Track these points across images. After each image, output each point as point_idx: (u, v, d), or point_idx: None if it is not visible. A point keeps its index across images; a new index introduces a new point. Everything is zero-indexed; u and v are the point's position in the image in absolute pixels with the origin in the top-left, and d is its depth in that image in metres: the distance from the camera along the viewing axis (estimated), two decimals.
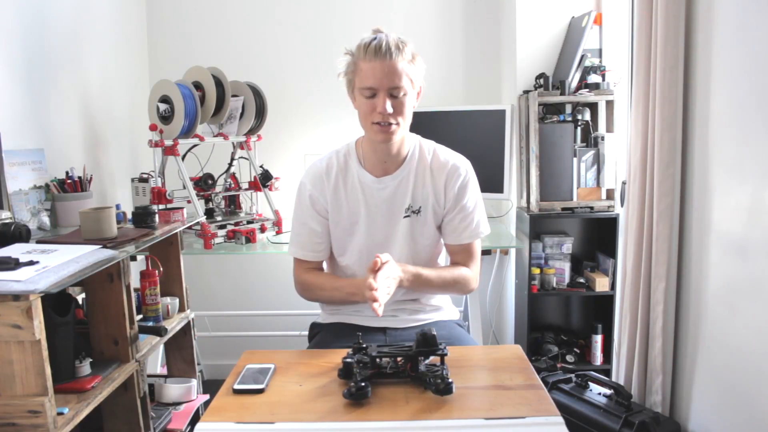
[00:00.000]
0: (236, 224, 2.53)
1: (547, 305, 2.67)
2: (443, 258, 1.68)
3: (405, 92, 1.41)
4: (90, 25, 2.38)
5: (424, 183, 1.53)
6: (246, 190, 2.69)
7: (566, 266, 2.50)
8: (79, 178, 2.00)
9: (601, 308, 2.55)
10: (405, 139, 1.52)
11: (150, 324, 1.85)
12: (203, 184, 2.54)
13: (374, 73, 1.38)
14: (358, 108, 1.46)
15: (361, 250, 1.56)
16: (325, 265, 1.68)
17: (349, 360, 1.16)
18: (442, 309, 1.64)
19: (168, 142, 2.30)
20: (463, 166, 1.55)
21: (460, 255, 1.58)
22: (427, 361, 1.18)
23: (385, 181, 1.52)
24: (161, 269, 1.94)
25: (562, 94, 2.39)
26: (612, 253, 2.41)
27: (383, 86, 1.38)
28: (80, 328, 1.61)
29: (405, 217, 1.54)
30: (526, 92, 2.55)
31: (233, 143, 2.65)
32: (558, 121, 2.46)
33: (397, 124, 1.42)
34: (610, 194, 2.45)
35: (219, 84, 2.46)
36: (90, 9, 2.38)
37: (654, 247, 1.87)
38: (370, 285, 1.29)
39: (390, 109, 1.39)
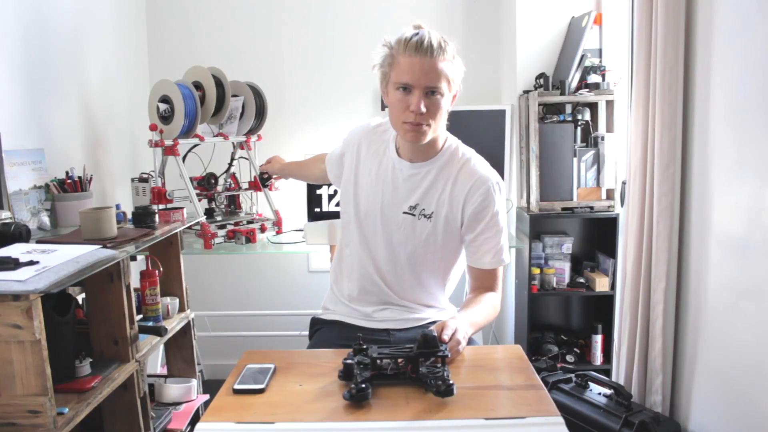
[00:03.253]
0: (236, 224, 2.53)
1: (547, 305, 2.67)
2: (453, 280, 1.62)
3: (442, 93, 1.35)
4: (90, 25, 2.38)
5: (444, 189, 1.46)
6: (246, 190, 2.69)
7: (566, 266, 2.50)
8: (79, 178, 2.00)
9: (601, 308, 2.55)
10: (437, 138, 1.46)
11: (150, 324, 1.84)
12: (206, 183, 2.54)
13: (413, 69, 1.32)
14: (390, 104, 1.41)
15: (363, 215, 1.54)
16: (328, 256, 1.68)
17: (349, 361, 1.16)
18: (444, 309, 1.64)
19: (168, 142, 2.30)
20: (492, 182, 1.45)
21: (485, 280, 1.50)
22: (428, 362, 1.18)
23: (402, 164, 1.49)
24: (161, 269, 1.94)
25: (562, 94, 2.39)
26: (612, 253, 2.41)
27: (420, 84, 1.33)
28: (80, 328, 1.61)
29: (406, 213, 1.49)
30: (526, 92, 2.55)
31: (233, 143, 2.65)
32: (558, 121, 2.46)
33: (429, 125, 1.37)
34: (610, 194, 2.45)
35: (219, 84, 2.46)
36: (90, 9, 2.38)
37: (654, 247, 1.87)
38: None
39: (423, 110, 1.33)
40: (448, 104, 1.40)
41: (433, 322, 1.57)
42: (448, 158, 1.48)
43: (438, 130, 1.42)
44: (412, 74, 1.33)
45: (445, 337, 1.23)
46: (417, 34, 1.34)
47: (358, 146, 1.58)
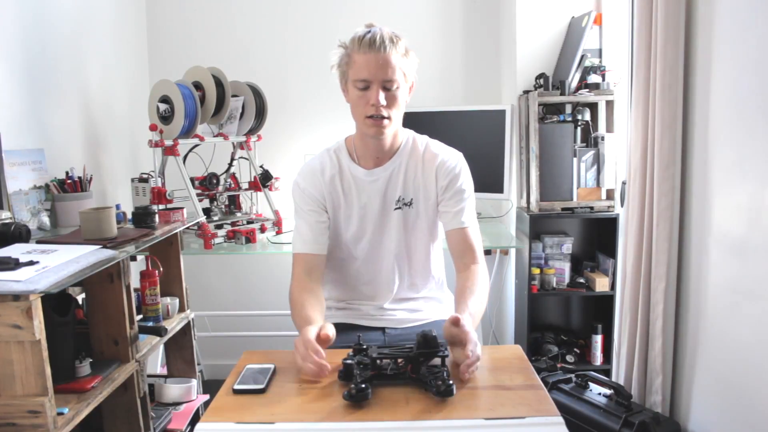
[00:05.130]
0: (236, 224, 2.53)
1: (547, 305, 2.67)
2: (439, 256, 1.65)
3: (398, 85, 1.41)
4: (90, 25, 2.38)
5: (416, 175, 1.53)
6: (246, 190, 2.69)
7: (566, 266, 2.50)
8: (79, 178, 2.00)
9: (601, 308, 2.55)
10: (398, 132, 1.52)
11: (150, 324, 1.85)
12: (208, 183, 2.54)
13: (368, 65, 1.39)
14: (350, 101, 1.46)
15: (353, 243, 1.56)
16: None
17: (349, 361, 1.16)
18: (440, 301, 1.65)
19: (168, 142, 2.30)
20: (454, 158, 1.54)
21: (467, 253, 1.50)
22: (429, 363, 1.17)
23: (376, 173, 1.52)
24: (161, 269, 1.94)
25: (562, 94, 2.39)
26: (612, 253, 2.41)
27: (377, 78, 1.39)
28: (80, 328, 1.61)
29: (396, 209, 1.54)
30: (526, 92, 2.55)
31: (233, 143, 2.65)
32: (558, 121, 2.46)
33: (389, 118, 1.42)
34: (610, 194, 2.45)
35: (219, 84, 2.46)
36: (90, 9, 2.38)
37: (654, 247, 1.86)
38: (314, 361, 1.18)
39: (383, 102, 1.40)
40: (405, 96, 1.46)
41: (432, 323, 1.58)
42: (411, 147, 1.55)
43: (399, 122, 1.49)
44: (368, 70, 1.39)
45: (467, 366, 1.16)
46: (369, 32, 1.42)
47: (312, 191, 1.54)
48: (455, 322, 1.20)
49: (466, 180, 1.55)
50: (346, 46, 1.45)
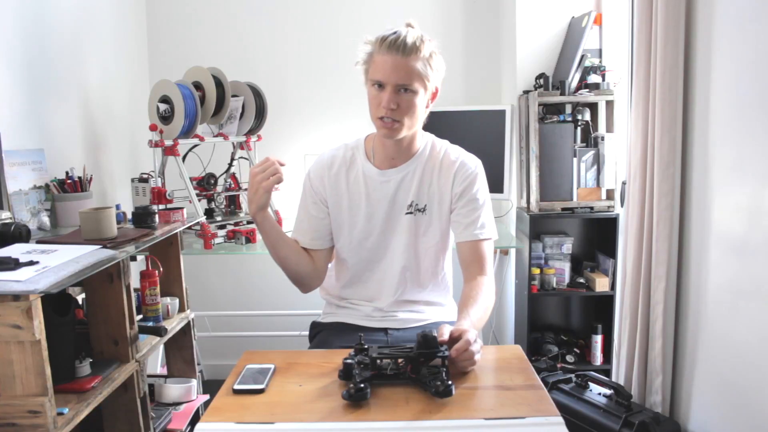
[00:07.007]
0: (236, 224, 2.53)
1: (547, 305, 2.67)
2: (448, 262, 1.64)
3: (414, 92, 1.39)
4: (90, 25, 2.38)
5: (431, 181, 1.52)
6: (246, 190, 2.69)
7: (566, 266, 2.50)
8: (79, 178, 2.00)
9: (601, 308, 2.55)
10: (416, 136, 1.51)
11: (150, 324, 1.84)
12: (205, 183, 2.54)
13: (384, 66, 1.38)
14: (368, 99, 1.46)
15: (359, 241, 1.55)
16: (330, 266, 1.67)
17: (349, 361, 1.16)
18: (443, 306, 1.65)
19: (168, 142, 2.30)
20: (472, 163, 1.53)
21: (475, 264, 1.49)
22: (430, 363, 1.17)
23: (388, 174, 1.51)
24: (161, 269, 1.94)
25: (562, 94, 2.39)
26: (612, 253, 2.41)
27: (391, 81, 1.37)
28: (80, 328, 1.61)
29: (407, 214, 1.52)
30: (526, 92, 2.55)
31: (233, 143, 2.65)
32: (558, 121, 2.46)
33: (401, 122, 1.40)
34: (610, 194, 2.45)
35: (219, 84, 2.46)
36: (90, 9, 2.38)
37: (654, 247, 1.87)
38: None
39: (393, 105, 1.38)
40: (424, 103, 1.44)
41: (434, 323, 1.58)
42: (429, 153, 1.54)
43: (414, 127, 1.46)
44: (384, 72, 1.38)
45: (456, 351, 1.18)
46: (394, 32, 1.40)
47: (317, 185, 1.56)
48: (443, 342, 1.18)
49: (482, 188, 1.52)
50: (371, 43, 1.44)
